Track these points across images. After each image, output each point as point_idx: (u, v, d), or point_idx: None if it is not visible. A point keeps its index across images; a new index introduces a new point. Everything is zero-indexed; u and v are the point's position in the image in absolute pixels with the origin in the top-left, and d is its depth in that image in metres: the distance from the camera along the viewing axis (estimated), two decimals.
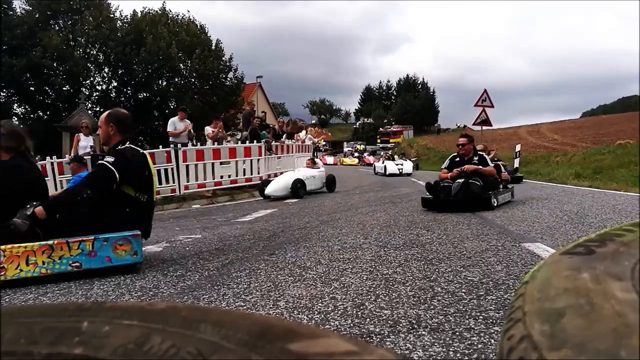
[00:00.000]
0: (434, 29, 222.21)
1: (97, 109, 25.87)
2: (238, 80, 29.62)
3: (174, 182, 10.01)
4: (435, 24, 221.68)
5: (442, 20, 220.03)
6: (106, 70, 26.39)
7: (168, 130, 10.85)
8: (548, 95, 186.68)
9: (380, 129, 60.04)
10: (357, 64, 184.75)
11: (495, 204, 6.13)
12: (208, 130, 12.13)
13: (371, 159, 36.09)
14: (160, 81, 27.12)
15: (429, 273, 2.89)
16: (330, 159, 36.66)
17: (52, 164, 9.31)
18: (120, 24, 26.58)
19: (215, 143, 11.26)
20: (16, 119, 24.45)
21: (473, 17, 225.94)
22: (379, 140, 53.96)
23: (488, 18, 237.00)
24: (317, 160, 12.35)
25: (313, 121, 79.68)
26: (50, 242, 3.16)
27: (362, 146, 50.02)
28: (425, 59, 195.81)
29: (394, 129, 57.04)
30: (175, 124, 10.68)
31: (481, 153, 6.82)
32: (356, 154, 41.90)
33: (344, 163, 36.50)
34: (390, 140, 52.33)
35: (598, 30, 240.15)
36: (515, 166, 13.98)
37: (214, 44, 28.32)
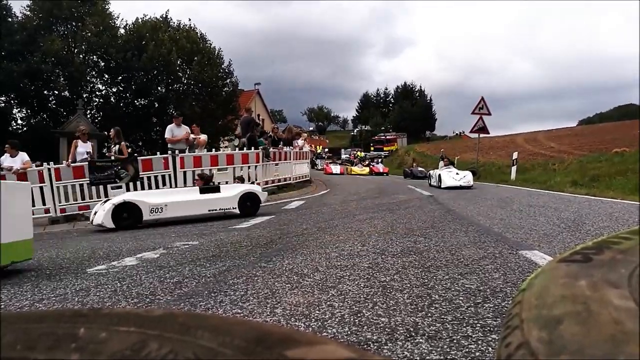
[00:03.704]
0: (437, 32, 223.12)
1: (97, 114, 25.93)
2: (234, 85, 29.72)
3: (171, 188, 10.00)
4: (439, 28, 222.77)
5: (445, 24, 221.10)
6: (106, 76, 26.46)
7: (166, 137, 10.90)
8: (546, 101, 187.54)
9: (375, 137, 59.87)
10: (360, 68, 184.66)
11: None
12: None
13: (380, 167, 32.58)
14: (159, 87, 27.20)
15: (426, 280, 2.89)
16: (336, 168, 30.95)
17: (49, 170, 9.30)
18: (123, 31, 26.70)
19: (198, 150, 11.10)
20: (15, 123, 24.48)
21: (475, 21, 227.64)
22: (372, 148, 53.69)
23: (490, 22, 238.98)
24: None
25: (311, 128, 79.92)
26: None
27: (362, 153, 49.00)
28: (428, 62, 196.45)
29: (388, 137, 56.91)
30: (173, 131, 10.73)
31: None
32: (355, 161, 39.60)
33: (352, 173, 31.38)
34: (384, 148, 52.19)
35: (599, 35, 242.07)
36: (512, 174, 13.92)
37: (214, 52, 28.44)
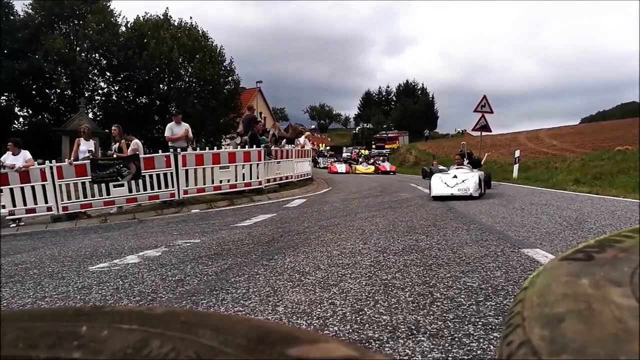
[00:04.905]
0: (439, 31, 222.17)
1: (99, 112, 25.99)
2: (236, 83, 29.74)
3: (173, 187, 10.00)
4: (441, 26, 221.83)
5: (447, 22, 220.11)
6: (108, 74, 26.50)
7: (166, 135, 10.96)
8: (548, 100, 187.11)
9: (376, 134, 59.68)
10: (362, 67, 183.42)
11: None
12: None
13: (387, 165, 30.93)
14: (161, 85, 27.23)
15: (428, 279, 2.89)
16: (341, 167, 29.72)
17: (51, 168, 9.31)
18: (124, 29, 26.74)
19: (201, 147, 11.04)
20: (17, 121, 24.55)
21: (477, 19, 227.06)
22: (374, 146, 53.41)
23: (492, 21, 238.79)
24: None
25: (312, 126, 79.89)
26: None
27: (366, 151, 48.01)
28: (431, 61, 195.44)
29: (390, 135, 56.72)
30: (173, 129, 10.78)
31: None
32: (360, 160, 38.04)
33: (357, 172, 30.10)
34: (386, 146, 51.92)
35: (599, 34, 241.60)
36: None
37: (215, 49, 28.46)
